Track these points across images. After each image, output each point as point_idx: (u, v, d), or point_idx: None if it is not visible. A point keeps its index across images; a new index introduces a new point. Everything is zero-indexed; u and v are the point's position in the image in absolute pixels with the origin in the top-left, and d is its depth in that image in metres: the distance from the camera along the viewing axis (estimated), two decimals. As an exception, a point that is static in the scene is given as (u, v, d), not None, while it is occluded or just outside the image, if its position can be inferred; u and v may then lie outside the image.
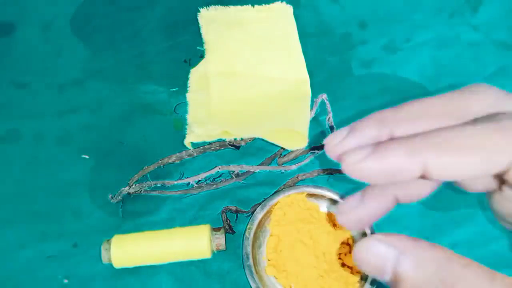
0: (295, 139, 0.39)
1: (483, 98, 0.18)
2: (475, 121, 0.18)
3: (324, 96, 0.41)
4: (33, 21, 0.47)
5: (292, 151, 0.39)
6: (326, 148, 0.20)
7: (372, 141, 0.19)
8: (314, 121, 0.41)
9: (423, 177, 0.17)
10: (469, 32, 0.45)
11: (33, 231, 0.37)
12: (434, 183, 0.21)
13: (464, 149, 0.17)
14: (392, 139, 0.19)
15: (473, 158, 0.17)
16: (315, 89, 0.42)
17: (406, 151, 0.17)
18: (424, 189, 0.21)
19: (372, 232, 0.35)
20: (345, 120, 0.41)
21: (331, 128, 0.40)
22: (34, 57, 0.45)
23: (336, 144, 0.19)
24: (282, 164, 0.39)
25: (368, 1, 0.47)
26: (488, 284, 0.15)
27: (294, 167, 0.39)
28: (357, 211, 0.21)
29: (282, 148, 0.40)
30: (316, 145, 0.40)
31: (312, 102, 0.41)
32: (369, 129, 0.19)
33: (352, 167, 0.18)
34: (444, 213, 0.38)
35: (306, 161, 0.39)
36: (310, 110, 0.41)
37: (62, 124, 0.42)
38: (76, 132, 0.41)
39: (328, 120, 0.41)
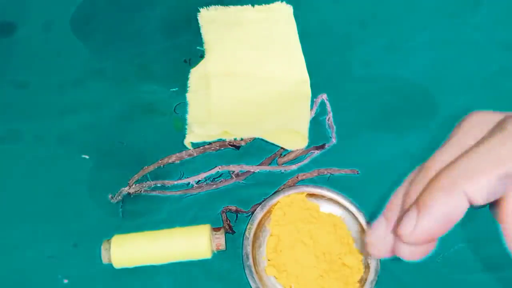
0: (295, 139, 0.39)
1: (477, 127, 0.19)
2: (484, 138, 0.18)
3: (324, 96, 0.41)
4: (33, 21, 0.47)
5: (292, 151, 0.39)
6: (373, 247, 0.21)
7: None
8: (314, 121, 0.41)
9: (473, 203, 0.18)
10: (469, 32, 0.45)
11: (33, 231, 0.37)
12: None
13: (488, 166, 0.17)
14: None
15: (499, 171, 0.17)
16: (315, 89, 0.42)
17: (444, 190, 0.17)
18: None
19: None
20: (345, 120, 0.41)
21: (331, 128, 0.40)
22: (34, 57, 0.45)
23: (382, 235, 0.20)
24: (282, 164, 0.39)
25: (368, 1, 0.47)
26: None
27: (294, 167, 0.39)
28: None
29: (282, 148, 0.40)
30: (316, 145, 0.40)
31: (312, 102, 0.41)
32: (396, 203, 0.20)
33: (412, 238, 0.18)
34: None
35: (306, 161, 0.39)
36: (310, 110, 0.41)
37: (62, 124, 0.42)
38: (76, 132, 0.41)
39: (328, 120, 0.41)
